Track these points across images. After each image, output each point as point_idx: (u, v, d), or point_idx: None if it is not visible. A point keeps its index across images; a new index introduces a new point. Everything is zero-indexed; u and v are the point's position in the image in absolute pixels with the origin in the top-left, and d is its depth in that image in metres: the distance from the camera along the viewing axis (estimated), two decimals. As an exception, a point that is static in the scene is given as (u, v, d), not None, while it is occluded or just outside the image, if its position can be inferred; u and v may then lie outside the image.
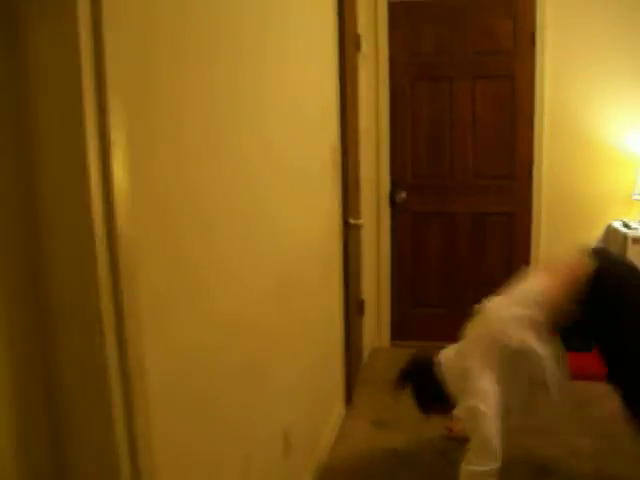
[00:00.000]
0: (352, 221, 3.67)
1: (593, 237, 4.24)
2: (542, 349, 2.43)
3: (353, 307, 3.85)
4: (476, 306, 2.67)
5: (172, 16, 1.45)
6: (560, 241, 4.35)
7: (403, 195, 4.61)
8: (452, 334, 4.64)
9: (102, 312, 1.15)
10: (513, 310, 2.51)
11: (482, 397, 2.35)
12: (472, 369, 2.43)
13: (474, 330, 2.60)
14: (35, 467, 1.19)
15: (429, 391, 2.63)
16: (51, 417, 1.21)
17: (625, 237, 3.74)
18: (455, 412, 2.48)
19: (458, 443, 2.77)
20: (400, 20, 4.48)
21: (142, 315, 1.28)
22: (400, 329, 4.81)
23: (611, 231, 4.11)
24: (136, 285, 1.25)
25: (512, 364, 2.45)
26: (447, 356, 2.66)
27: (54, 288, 1.17)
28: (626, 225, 3.89)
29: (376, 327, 4.75)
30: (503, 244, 4.54)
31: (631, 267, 2.69)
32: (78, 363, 1.18)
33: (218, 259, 1.72)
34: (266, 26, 2.12)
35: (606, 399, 3.67)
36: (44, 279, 1.16)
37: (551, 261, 2.62)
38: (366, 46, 4.29)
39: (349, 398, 3.69)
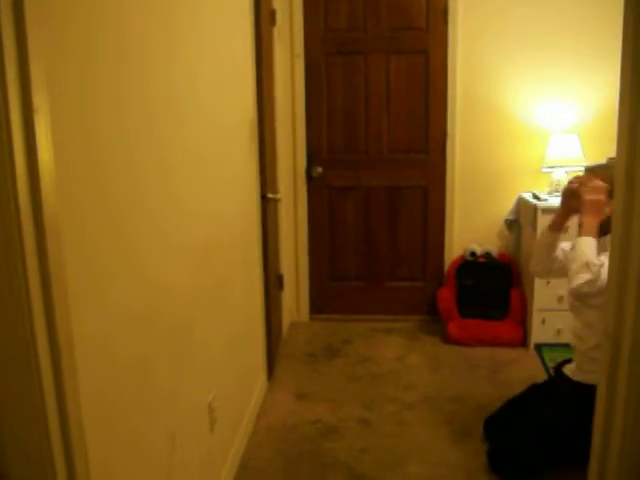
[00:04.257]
0: (270, 196, 3.65)
1: (505, 208, 4.39)
2: None
3: (272, 282, 3.84)
4: None
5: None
6: (473, 212, 4.49)
7: (319, 170, 4.62)
8: (369, 307, 4.77)
9: (29, 278, 1.10)
10: None
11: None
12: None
13: None
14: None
15: None
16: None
17: (535, 208, 3.88)
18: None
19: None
20: (315, -5, 4.45)
21: (68, 283, 1.22)
22: (319, 303, 4.84)
23: (522, 202, 4.25)
24: (61, 250, 1.19)
25: None
26: None
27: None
28: (536, 196, 4.03)
29: (295, 302, 4.76)
30: (418, 217, 4.62)
31: None
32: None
33: (128, 245, 1.63)
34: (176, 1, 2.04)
35: (518, 364, 3.86)
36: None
37: None
38: (281, 21, 4.25)
39: (271, 372, 3.69)
